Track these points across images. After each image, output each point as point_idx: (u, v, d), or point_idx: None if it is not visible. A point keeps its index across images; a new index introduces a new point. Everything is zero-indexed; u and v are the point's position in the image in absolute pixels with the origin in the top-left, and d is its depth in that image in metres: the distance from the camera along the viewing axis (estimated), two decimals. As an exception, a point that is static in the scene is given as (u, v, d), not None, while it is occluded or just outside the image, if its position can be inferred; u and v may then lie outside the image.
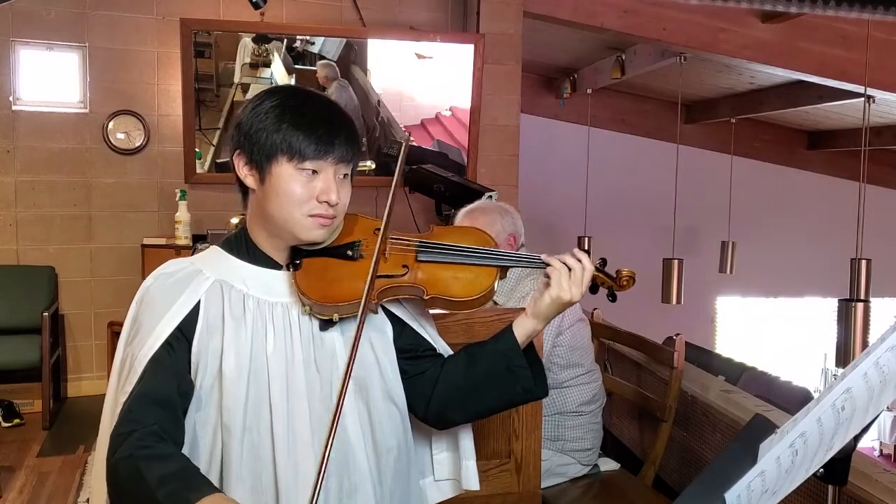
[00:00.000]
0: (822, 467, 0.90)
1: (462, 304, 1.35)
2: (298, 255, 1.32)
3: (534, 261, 1.37)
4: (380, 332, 1.37)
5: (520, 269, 1.42)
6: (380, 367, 1.34)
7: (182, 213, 3.94)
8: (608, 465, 2.61)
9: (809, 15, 4.13)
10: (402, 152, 1.35)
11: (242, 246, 1.34)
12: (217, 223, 3.90)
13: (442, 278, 1.34)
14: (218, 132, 4.24)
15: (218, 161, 4.25)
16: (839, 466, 0.97)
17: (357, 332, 1.24)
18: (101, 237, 4.18)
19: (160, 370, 1.21)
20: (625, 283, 1.39)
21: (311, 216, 1.27)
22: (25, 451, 3.45)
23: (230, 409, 1.24)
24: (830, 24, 4.45)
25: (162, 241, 3.99)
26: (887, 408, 2.30)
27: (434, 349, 1.42)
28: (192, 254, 1.51)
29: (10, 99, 4.01)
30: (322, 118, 1.27)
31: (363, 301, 1.26)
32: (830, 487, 1.06)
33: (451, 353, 1.45)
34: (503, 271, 1.36)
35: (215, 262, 1.33)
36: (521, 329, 1.35)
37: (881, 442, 7.55)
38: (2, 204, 4.04)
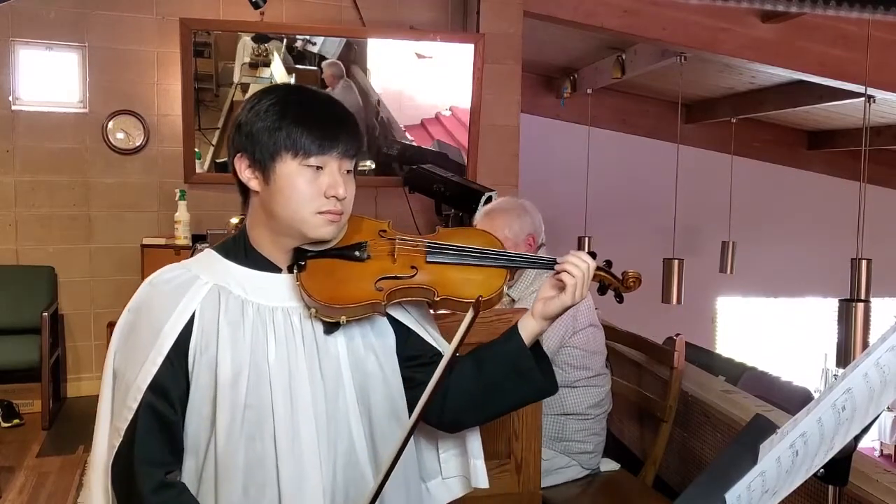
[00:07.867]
0: (822, 467, 0.90)
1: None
2: (302, 257, 1.27)
3: (543, 262, 1.36)
4: (382, 339, 1.34)
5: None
6: (383, 374, 1.32)
7: (182, 213, 3.94)
8: (608, 465, 2.61)
9: (809, 15, 4.13)
10: (470, 318, 1.20)
11: (241, 250, 1.30)
12: (216, 223, 3.90)
13: (452, 280, 1.30)
14: (217, 132, 4.23)
15: (217, 161, 4.24)
16: (840, 466, 0.97)
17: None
18: (101, 237, 4.18)
19: (154, 422, 1.21)
20: (631, 283, 1.40)
21: (320, 213, 1.24)
22: (25, 451, 3.45)
23: (228, 417, 1.21)
24: (830, 24, 4.45)
25: (161, 241, 3.98)
26: (888, 408, 2.30)
27: (441, 355, 1.39)
28: (192, 254, 1.50)
29: (10, 99, 4.00)
30: (324, 113, 1.26)
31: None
32: (831, 488, 1.06)
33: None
34: (512, 272, 1.35)
35: (212, 266, 1.29)
36: (527, 330, 1.34)
37: (881, 442, 7.54)
38: (2, 204, 4.03)
